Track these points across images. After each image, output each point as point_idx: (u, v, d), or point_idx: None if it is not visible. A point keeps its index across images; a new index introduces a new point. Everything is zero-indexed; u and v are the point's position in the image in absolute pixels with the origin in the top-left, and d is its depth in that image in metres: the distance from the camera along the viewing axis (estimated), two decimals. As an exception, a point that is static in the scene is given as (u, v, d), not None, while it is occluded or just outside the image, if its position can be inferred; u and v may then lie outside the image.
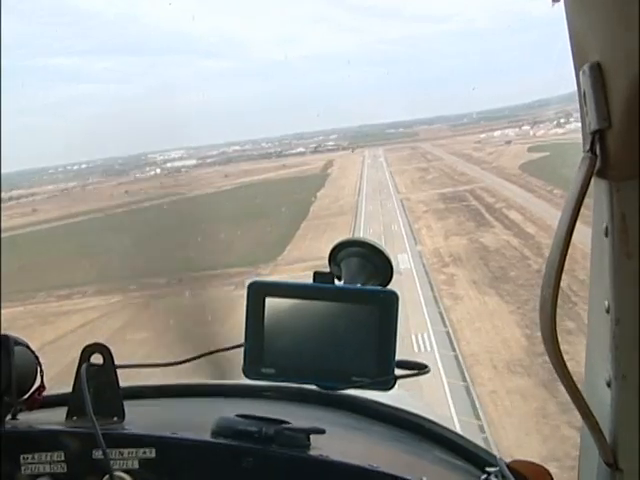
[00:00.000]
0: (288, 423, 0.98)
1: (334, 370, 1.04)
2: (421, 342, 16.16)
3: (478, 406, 12.75)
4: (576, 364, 0.84)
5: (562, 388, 0.76)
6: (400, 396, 1.30)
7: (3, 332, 1.04)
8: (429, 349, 15.78)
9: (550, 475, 0.96)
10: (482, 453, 1.13)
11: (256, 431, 0.96)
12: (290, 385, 1.14)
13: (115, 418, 1.03)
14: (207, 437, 0.97)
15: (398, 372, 1.05)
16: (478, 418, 12.19)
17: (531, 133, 53.97)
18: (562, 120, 41.61)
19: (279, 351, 1.05)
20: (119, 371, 1.05)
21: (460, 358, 15.22)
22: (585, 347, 0.85)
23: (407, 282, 19.84)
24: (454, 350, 15.75)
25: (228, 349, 1.13)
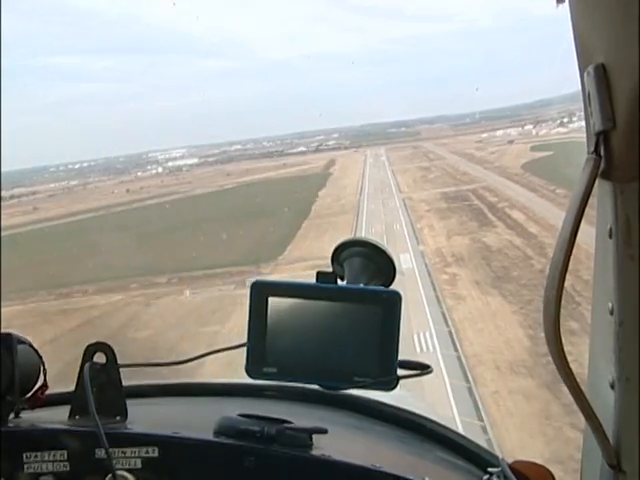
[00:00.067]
0: (290, 423, 0.98)
1: (336, 370, 1.04)
2: (423, 342, 16.12)
3: (481, 407, 12.69)
4: (580, 365, 0.84)
5: (565, 389, 0.76)
6: (402, 396, 1.30)
7: (5, 330, 1.04)
8: (431, 349, 15.73)
9: (552, 476, 0.96)
10: (484, 454, 1.13)
11: (258, 431, 0.95)
12: (292, 385, 1.14)
13: (118, 417, 1.03)
14: (209, 436, 0.97)
15: (400, 372, 1.05)
16: (481, 419, 12.13)
17: (534, 132, 53.90)
18: (565, 119, 41.53)
19: (282, 351, 1.05)
20: (121, 370, 1.05)
21: (463, 359, 15.16)
22: (588, 348, 0.84)
23: (409, 282, 19.79)
24: (456, 350, 15.70)
25: (231, 348, 1.13)
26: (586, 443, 0.86)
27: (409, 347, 14.70)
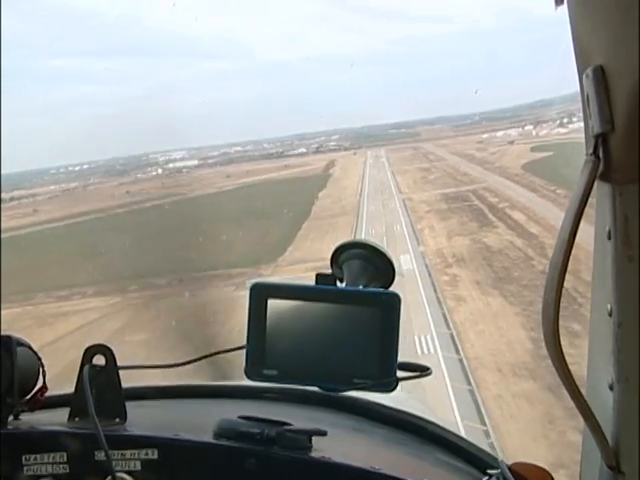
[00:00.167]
0: (290, 425, 0.98)
1: (336, 372, 1.05)
2: (424, 344, 16.05)
3: (483, 411, 12.59)
4: (582, 367, 0.85)
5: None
6: (402, 398, 1.30)
7: (5, 333, 1.04)
8: (432, 352, 15.64)
9: (552, 478, 0.95)
10: (484, 455, 1.13)
11: (258, 433, 0.95)
12: (292, 387, 1.14)
13: (117, 419, 1.03)
14: (209, 438, 0.97)
15: (400, 374, 1.05)
16: (483, 423, 12.02)
17: (534, 133, 53.89)
18: (565, 120, 41.51)
19: (281, 353, 1.05)
20: (121, 372, 1.05)
21: (464, 361, 15.05)
22: (587, 350, 0.85)
23: (410, 283, 19.72)
24: (458, 353, 15.59)
25: (230, 350, 1.14)
26: (585, 444, 0.86)
27: (410, 349, 14.62)
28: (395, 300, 1.04)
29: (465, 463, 1.12)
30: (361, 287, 1.09)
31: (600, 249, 0.78)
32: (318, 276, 1.07)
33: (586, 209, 0.72)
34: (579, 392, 0.75)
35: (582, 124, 0.79)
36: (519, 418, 11.99)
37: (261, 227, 31.07)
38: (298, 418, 1.03)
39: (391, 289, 1.10)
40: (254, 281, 1.08)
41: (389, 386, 1.04)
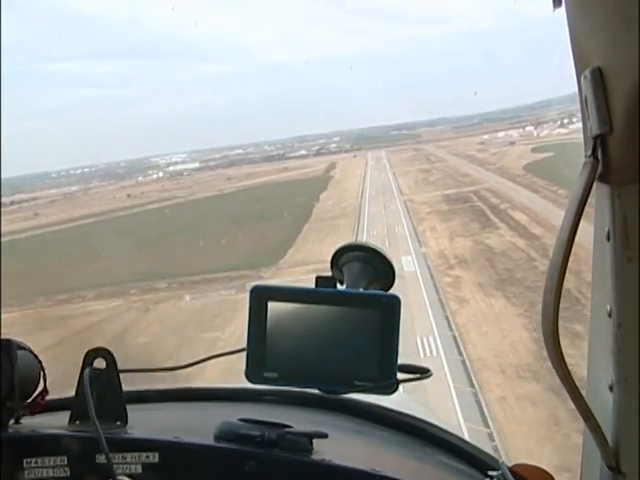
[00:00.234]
0: (290, 427, 0.97)
1: (336, 374, 1.05)
2: (427, 346, 15.96)
3: (487, 413, 12.48)
4: (583, 368, 0.84)
5: None
6: (403, 400, 1.31)
7: (5, 337, 1.04)
8: (435, 354, 15.55)
9: (553, 479, 0.95)
10: (485, 457, 1.12)
11: (259, 435, 0.95)
12: (292, 389, 1.14)
13: (118, 422, 1.03)
14: (210, 441, 0.97)
15: (400, 376, 1.04)
16: (487, 425, 11.91)
17: (535, 134, 53.85)
18: (565, 120, 41.47)
19: (281, 355, 1.06)
20: (121, 375, 1.05)
21: (467, 363, 14.94)
22: (587, 351, 0.85)
23: (412, 285, 19.64)
24: (461, 355, 15.48)
25: (231, 353, 1.15)
26: (585, 445, 0.86)
27: (413, 351, 14.54)
28: (395, 302, 1.03)
29: (466, 465, 1.11)
30: (361, 289, 1.09)
31: (599, 250, 0.78)
32: (318, 278, 1.08)
33: (586, 209, 0.73)
34: (579, 393, 0.75)
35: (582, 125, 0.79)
36: (523, 420, 11.88)
37: (262, 229, 31.01)
38: (299, 420, 1.03)
39: (392, 291, 1.10)
40: (254, 284, 1.08)
41: (389, 388, 1.04)
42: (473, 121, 72.51)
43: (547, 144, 43.67)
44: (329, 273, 1.12)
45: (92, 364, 1.04)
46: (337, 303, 1.05)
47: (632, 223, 0.71)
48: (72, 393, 1.03)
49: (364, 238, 26.62)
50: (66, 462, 0.95)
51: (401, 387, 1.04)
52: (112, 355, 1.04)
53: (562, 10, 0.76)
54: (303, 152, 68.89)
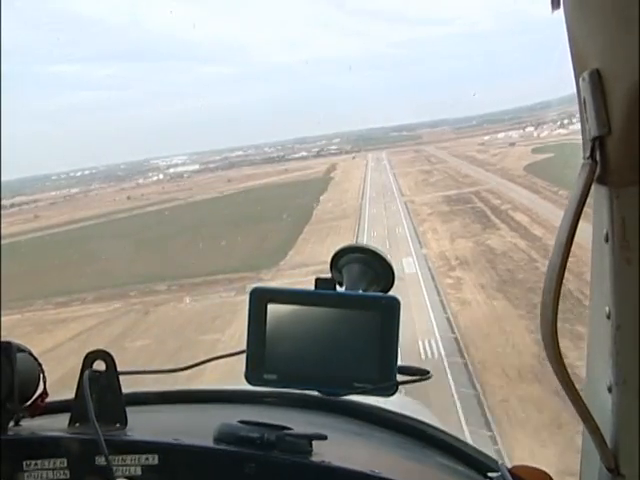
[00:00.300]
0: (290, 429, 0.98)
1: (336, 376, 1.05)
2: (428, 349, 15.85)
3: (489, 416, 12.38)
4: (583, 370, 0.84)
5: None
6: (402, 402, 1.31)
7: (4, 339, 1.04)
8: (437, 356, 15.45)
9: None
10: (484, 459, 1.12)
11: (258, 437, 0.95)
12: (292, 391, 1.14)
13: (117, 424, 1.03)
14: (209, 443, 0.97)
15: (400, 378, 1.04)
16: (489, 429, 11.83)
17: (535, 134, 53.82)
18: (565, 121, 41.47)
19: (281, 357, 1.06)
20: (121, 377, 1.05)
21: (469, 365, 14.86)
22: (586, 352, 0.85)
23: (413, 286, 19.58)
24: (463, 357, 15.39)
25: (230, 355, 1.15)
26: (584, 447, 0.86)
27: (414, 353, 14.46)
28: (395, 304, 1.04)
29: (466, 466, 1.11)
30: (361, 291, 1.10)
31: (598, 252, 0.78)
32: (318, 280, 1.08)
33: (586, 209, 0.73)
34: (578, 394, 0.75)
35: (582, 127, 0.80)
36: (526, 423, 11.79)
37: (262, 231, 30.97)
38: (298, 422, 1.03)
39: (393, 292, 1.10)
40: (254, 286, 1.08)
41: (389, 390, 1.04)
42: (473, 122, 72.59)
43: (547, 145, 43.66)
44: (329, 275, 1.13)
45: (92, 366, 1.05)
46: (337, 305, 1.05)
47: (631, 225, 0.71)
48: (72, 395, 1.04)
49: (364, 239, 26.58)
50: (66, 464, 0.96)
51: (402, 389, 1.04)
52: (112, 357, 1.05)
53: (560, 12, 0.77)
54: (303, 154, 68.89)
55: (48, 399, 1.08)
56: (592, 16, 0.72)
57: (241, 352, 1.08)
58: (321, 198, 41.16)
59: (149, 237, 32.71)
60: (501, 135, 59.15)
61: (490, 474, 0.97)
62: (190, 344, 16.31)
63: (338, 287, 1.10)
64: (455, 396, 13.14)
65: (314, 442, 0.96)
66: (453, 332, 17.05)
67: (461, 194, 35.61)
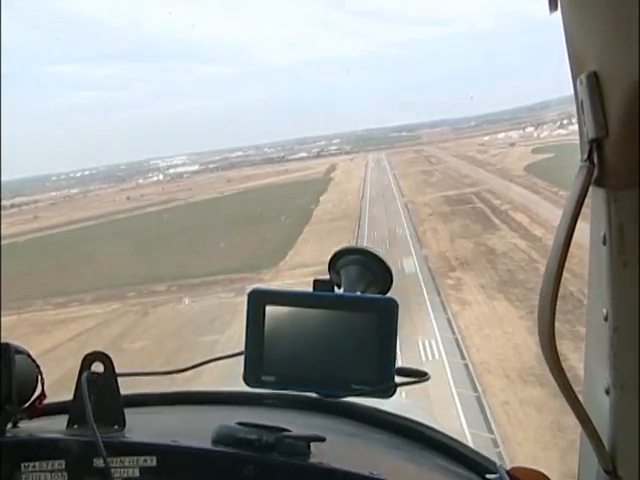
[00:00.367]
0: (288, 431, 0.97)
1: (334, 378, 1.05)
2: (428, 350, 15.81)
3: (490, 418, 12.32)
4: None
5: None
6: (401, 404, 1.31)
7: (3, 340, 1.03)
8: (437, 357, 15.40)
9: None
10: (483, 460, 1.12)
11: (256, 439, 0.95)
12: (290, 393, 1.14)
13: (116, 426, 1.03)
14: (208, 445, 0.97)
15: (398, 380, 1.05)
16: (491, 431, 11.76)
17: (535, 135, 53.82)
18: (565, 121, 41.49)
19: (279, 359, 1.06)
20: (119, 379, 1.05)
21: (470, 366, 14.80)
22: (584, 354, 0.84)
23: (413, 287, 19.52)
24: (463, 358, 15.34)
25: (228, 357, 1.15)
26: (582, 449, 0.87)
27: (414, 355, 14.41)
28: (393, 305, 1.04)
29: (464, 468, 1.11)
30: (359, 293, 1.10)
31: (595, 254, 0.78)
32: (316, 282, 1.08)
33: (584, 210, 0.73)
34: (575, 396, 0.76)
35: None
36: (527, 426, 11.73)
37: (262, 231, 30.94)
38: (296, 424, 1.03)
39: (393, 293, 1.09)
40: (252, 287, 1.08)
41: (387, 392, 1.04)
42: (473, 122, 72.56)
43: (547, 145, 43.67)
44: (327, 276, 1.13)
45: (90, 368, 1.04)
46: (335, 307, 1.05)
47: (628, 227, 0.71)
48: (70, 397, 1.03)
49: (364, 240, 26.55)
50: (64, 466, 0.95)
51: (402, 391, 1.04)
52: (110, 359, 1.04)
53: (558, 14, 0.77)
54: (303, 154, 68.88)
55: (46, 401, 1.07)
56: (590, 18, 0.72)
57: (239, 354, 1.08)
58: (321, 199, 41.14)
59: (149, 237, 32.67)
60: (501, 135, 59.15)
61: (488, 476, 0.97)
62: (189, 345, 16.27)
63: (336, 289, 1.10)
64: (455, 397, 13.08)
65: (312, 444, 0.96)
66: (453, 333, 17.01)
67: (461, 194, 35.59)
